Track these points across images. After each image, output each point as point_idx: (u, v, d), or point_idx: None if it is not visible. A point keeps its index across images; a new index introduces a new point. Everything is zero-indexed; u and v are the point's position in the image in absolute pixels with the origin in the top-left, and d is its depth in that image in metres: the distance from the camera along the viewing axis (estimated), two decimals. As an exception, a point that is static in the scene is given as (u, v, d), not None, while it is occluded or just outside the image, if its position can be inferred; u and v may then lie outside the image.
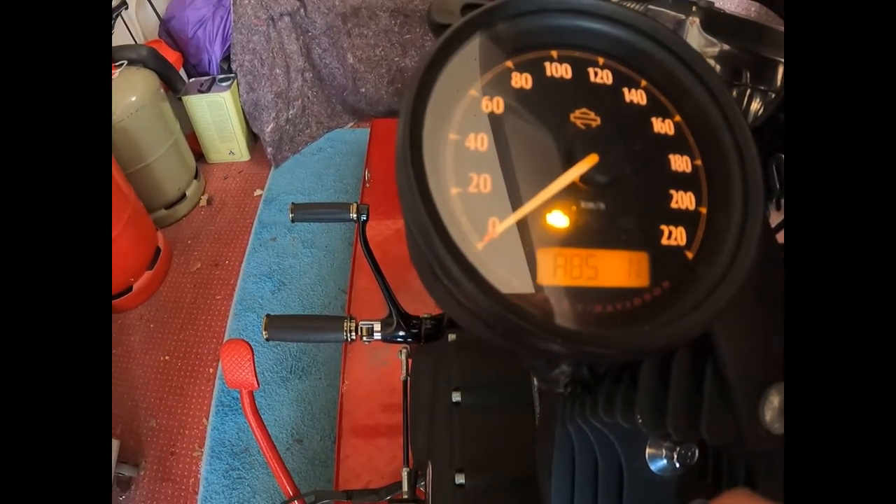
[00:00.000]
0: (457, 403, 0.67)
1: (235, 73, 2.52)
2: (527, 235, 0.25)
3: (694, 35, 0.54)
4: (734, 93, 0.51)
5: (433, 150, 0.25)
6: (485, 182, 0.25)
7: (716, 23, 0.53)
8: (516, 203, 0.25)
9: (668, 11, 0.57)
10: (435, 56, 0.27)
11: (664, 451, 0.36)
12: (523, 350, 0.30)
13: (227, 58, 2.64)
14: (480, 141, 0.26)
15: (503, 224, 0.24)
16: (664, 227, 0.27)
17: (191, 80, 2.65)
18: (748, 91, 0.51)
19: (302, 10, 2.53)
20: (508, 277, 0.24)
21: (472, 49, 0.28)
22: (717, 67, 0.52)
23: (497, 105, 0.27)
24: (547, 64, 0.30)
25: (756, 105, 0.51)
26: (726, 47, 0.52)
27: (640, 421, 0.31)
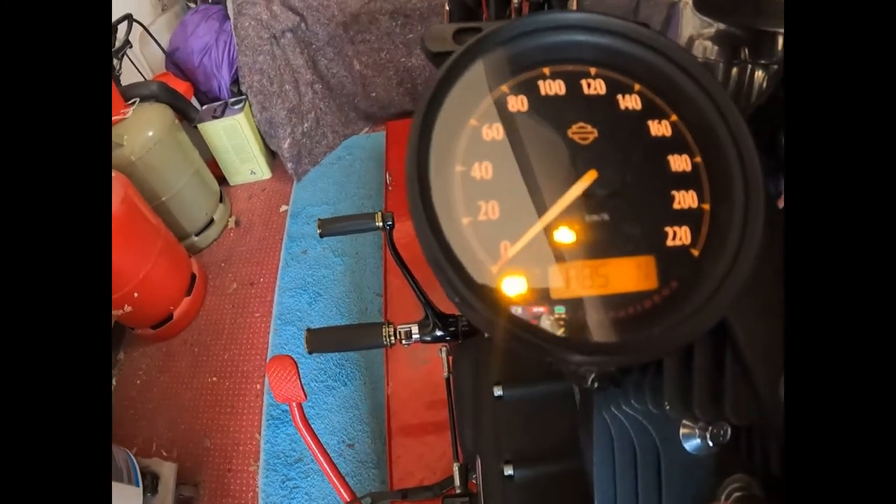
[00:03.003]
0: (499, 397, 0.68)
1: (246, 95, 2.56)
2: (537, 254, 0.26)
3: (688, 17, 0.54)
4: (734, 71, 0.51)
5: (441, 184, 0.26)
6: (493, 209, 0.27)
7: (709, 1, 0.52)
8: (524, 225, 0.27)
9: (661, -6, 0.57)
10: (435, 92, 0.28)
11: (697, 431, 0.36)
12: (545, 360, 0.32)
13: (235, 81, 2.68)
14: (485, 169, 0.28)
15: (514, 247, 0.26)
16: (668, 229, 0.28)
17: (204, 108, 2.69)
18: (749, 67, 0.51)
19: (303, 25, 2.56)
20: (523, 296, 0.26)
21: (468, 79, 0.30)
22: (714, 48, 0.52)
23: (497, 132, 0.29)
24: (541, 83, 0.31)
25: (758, 80, 0.51)
26: (722, 26, 0.52)
27: (668, 407, 0.33)
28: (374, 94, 2.82)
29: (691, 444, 0.37)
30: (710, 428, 0.36)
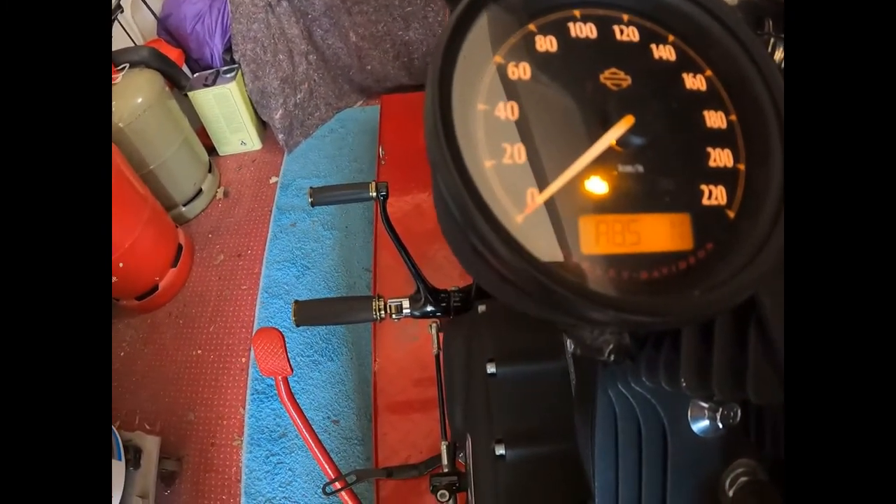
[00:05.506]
0: (492, 375, 0.66)
1: (239, 64, 2.51)
2: (566, 204, 0.24)
3: (710, -17, 0.52)
4: (757, 43, 0.50)
5: (463, 123, 0.24)
6: (519, 152, 0.25)
7: (732, -33, 0.51)
8: (553, 172, 0.24)
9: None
10: (457, 23, 0.26)
11: (707, 412, 0.35)
12: (570, 320, 0.30)
13: (228, 49, 2.62)
14: (510, 109, 0.26)
15: (542, 195, 0.24)
16: (704, 187, 0.27)
17: (195, 76, 2.63)
18: (772, 40, 0.49)
19: (299, -7, 2.50)
20: (551, 249, 0.23)
21: (493, 14, 0.28)
22: (737, 17, 0.50)
23: (524, 71, 0.27)
24: (571, 24, 0.29)
25: (780, 55, 0.49)
26: (746, -4, 0.50)
27: (684, 384, 0.31)
28: (369, 67, 2.77)
29: (699, 426, 0.36)
30: (720, 409, 0.34)
